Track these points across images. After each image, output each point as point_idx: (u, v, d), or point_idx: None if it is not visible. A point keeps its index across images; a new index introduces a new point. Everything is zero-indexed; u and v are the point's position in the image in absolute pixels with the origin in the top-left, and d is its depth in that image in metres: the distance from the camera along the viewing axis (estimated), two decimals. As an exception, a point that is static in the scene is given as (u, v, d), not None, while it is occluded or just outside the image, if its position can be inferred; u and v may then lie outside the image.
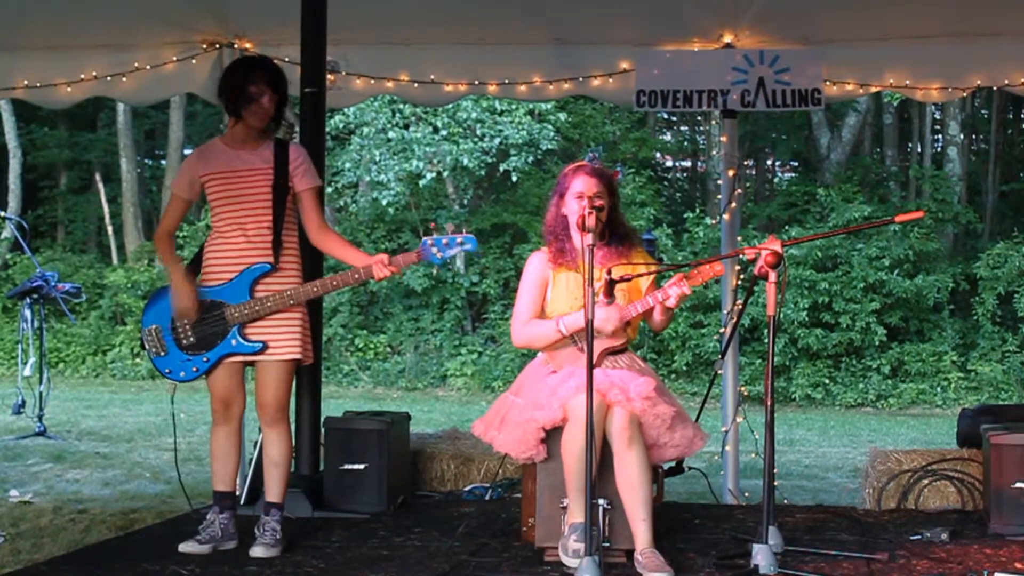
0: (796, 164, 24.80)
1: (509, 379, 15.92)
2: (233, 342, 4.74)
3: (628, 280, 4.63)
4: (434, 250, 4.66)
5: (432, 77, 7.02)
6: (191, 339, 4.78)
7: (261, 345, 4.73)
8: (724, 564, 4.53)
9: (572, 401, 4.43)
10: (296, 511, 5.49)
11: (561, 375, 4.63)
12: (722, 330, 6.92)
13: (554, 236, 4.82)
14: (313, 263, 5.14)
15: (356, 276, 4.74)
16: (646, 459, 4.48)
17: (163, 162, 24.27)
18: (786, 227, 18.59)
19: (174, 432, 5.80)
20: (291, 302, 4.72)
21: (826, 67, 6.55)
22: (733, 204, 6.77)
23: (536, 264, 4.87)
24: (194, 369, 4.80)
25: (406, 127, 18.79)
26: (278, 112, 4.84)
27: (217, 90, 4.89)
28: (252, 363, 4.84)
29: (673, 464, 5.15)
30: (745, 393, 6.94)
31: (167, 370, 4.84)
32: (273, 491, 4.86)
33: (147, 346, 4.87)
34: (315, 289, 4.76)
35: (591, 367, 4.17)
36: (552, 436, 4.57)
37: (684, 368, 17.07)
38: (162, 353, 4.83)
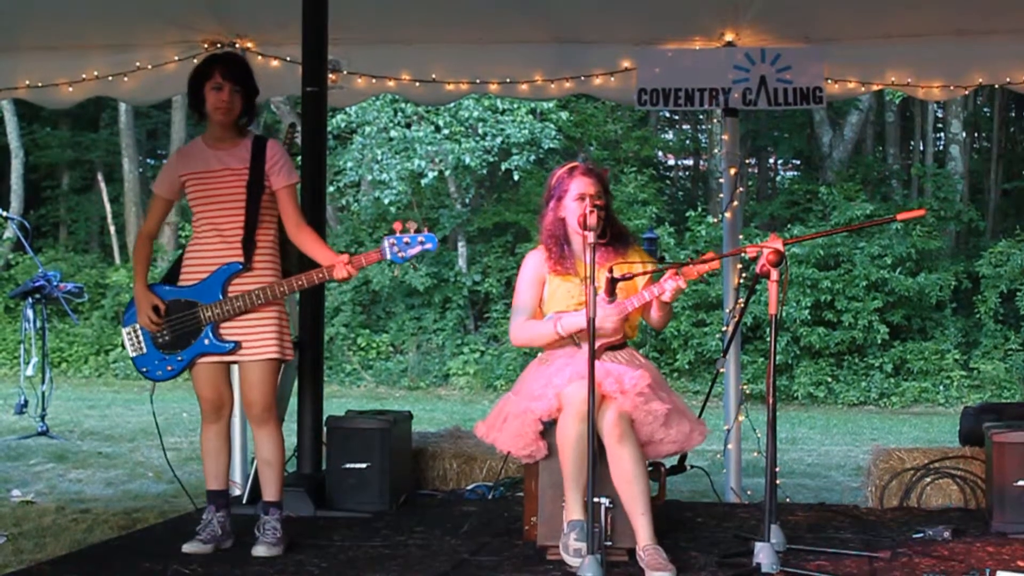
0: (798, 162, 24.80)
1: (511, 378, 15.93)
2: (206, 341, 4.73)
3: (630, 279, 4.63)
4: (395, 249, 4.67)
5: (434, 76, 7.02)
6: (166, 338, 4.78)
7: (234, 344, 4.72)
8: (726, 562, 4.53)
9: (567, 389, 4.43)
10: (298, 510, 5.49)
11: (556, 365, 4.64)
12: (724, 329, 6.91)
13: (554, 240, 4.81)
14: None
15: (320, 275, 4.74)
16: (639, 453, 4.46)
17: (165, 162, 24.30)
18: (788, 225, 18.59)
19: (158, 431, 5.78)
20: (260, 301, 4.71)
21: (828, 65, 6.55)
22: (735, 203, 6.77)
23: (533, 262, 4.87)
24: (169, 368, 4.81)
25: (408, 126, 18.79)
26: (247, 106, 4.82)
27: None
28: (229, 362, 4.86)
29: (675, 463, 5.15)
30: (747, 392, 6.94)
31: (144, 369, 4.85)
32: (270, 490, 4.85)
33: (127, 344, 4.88)
34: (282, 289, 4.75)
35: (592, 364, 4.17)
36: (551, 431, 4.56)
37: (686, 367, 17.07)
38: (141, 352, 4.84)
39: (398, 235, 4.67)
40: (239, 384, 4.89)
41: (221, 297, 4.71)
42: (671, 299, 4.62)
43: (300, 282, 4.76)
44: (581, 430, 4.29)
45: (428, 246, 4.68)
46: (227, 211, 4.75)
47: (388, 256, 4.67)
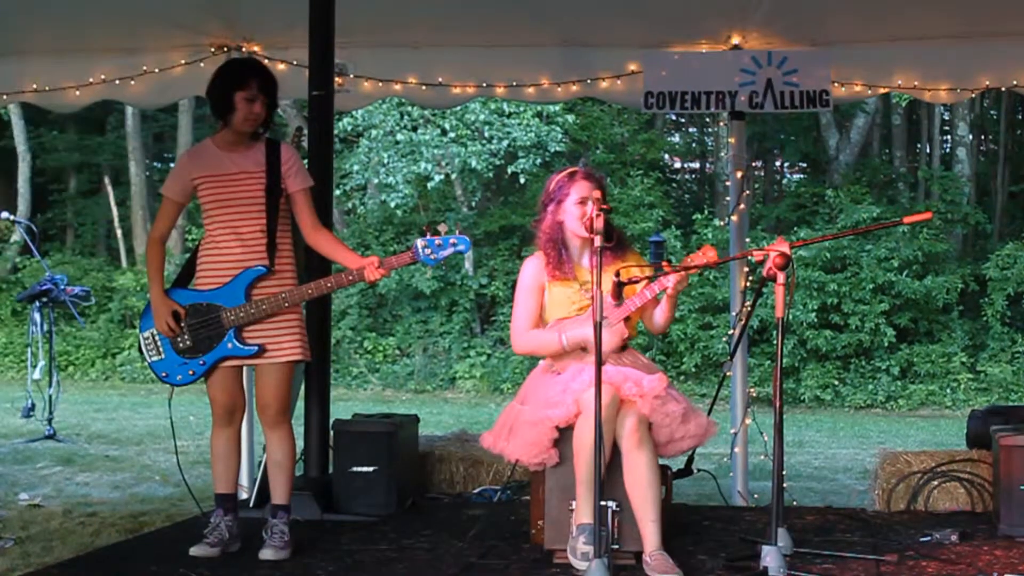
0: (804, 165, 24.78)
1: (518, 381, 15.91)
2: (229, 345, 4.72)
3: (636, 282, 4.63)
4: (427, 251, 4.64)
5: (440, 79, 7.03)
6: (187, 343, 4.77)
7: (258, 348, 4.72)
8: (733, 566, 4.52)
9: (585, 394, 4.42)
10: (305, 514, 5.49)
11: (571, 371, 4.64)
12: (731, 332, 6.92)
13: (552, 245, 4.80)
14: (323, 262, 5.14)
15: (350, 278, 4.74)
16: (655, 460, 4.48)
17: (172, 165, 24.30)
18: (795, 228, 18.55)
19: (173, 436, 5.80)
20: (286, 304, 4.71)
21: (834, 68, 6.55)
22: (742, 206, 6.77)
23: (531, 270, 4.86)
24: (191, 372, 4.79)
25: (414, 129, 18.79)
26: (268, 116, 4.82)
27: (206, 93, 4.85)
28: (251, 366, 4.85)
29: (682, 466, 5.14)
30: (754, 394, 6.93)
31: (164, 374, 4.82)
32: (279, 493, 4.85)
33: (144, 350, 4.86)
34: (310, 291, 4.75)
35: (599, 369, 4.17)
36: (563, 439, 4.56)
37: (693, 370, 17.05)
38: (159, 357, 4.82)
39: (430, 237, 4.65)
40: (255, 386, 4.88)
41: (245, 300, 4.71)
42: (674, 291, 4.62)
43: (329, 284, 4.75)
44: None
45: (461, 247, 4.66)
46: (247, 214, 4.73)
47: (420, 257, 4.64)
